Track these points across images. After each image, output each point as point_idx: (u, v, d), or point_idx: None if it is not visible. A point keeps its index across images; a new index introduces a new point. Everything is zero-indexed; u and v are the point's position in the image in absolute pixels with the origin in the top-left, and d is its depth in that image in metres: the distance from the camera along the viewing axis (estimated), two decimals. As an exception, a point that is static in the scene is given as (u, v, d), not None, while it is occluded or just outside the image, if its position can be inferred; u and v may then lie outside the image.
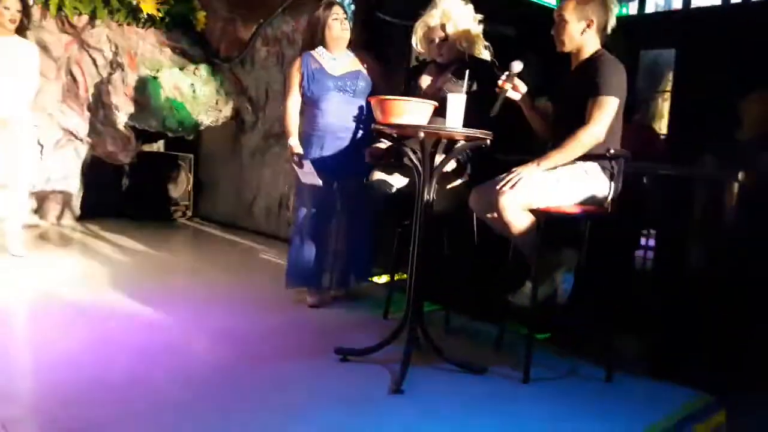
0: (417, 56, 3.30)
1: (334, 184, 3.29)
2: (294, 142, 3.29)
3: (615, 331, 2.69)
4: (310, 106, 3.34)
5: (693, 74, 4.56)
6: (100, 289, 3.49)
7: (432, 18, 3.00)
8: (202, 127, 5.58)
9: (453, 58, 3.05)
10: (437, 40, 3.01)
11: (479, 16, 3.04)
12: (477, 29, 3.04)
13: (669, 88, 5.19)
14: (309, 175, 3.17)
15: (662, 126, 5.32)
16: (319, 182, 3.18)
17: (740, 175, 2.64)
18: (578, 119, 2.50)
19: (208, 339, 2.81)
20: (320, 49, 3.34)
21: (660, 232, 3.86)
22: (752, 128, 3.53)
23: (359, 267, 3.49)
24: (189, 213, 6.26)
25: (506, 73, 2.60)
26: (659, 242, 3.94)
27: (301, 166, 3.19)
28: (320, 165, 3.22)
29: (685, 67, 4.75)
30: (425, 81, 3.13)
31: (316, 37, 3.33)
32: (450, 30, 2.98)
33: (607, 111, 2.45)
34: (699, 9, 4.56)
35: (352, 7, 3.38)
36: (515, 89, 2.65)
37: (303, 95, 3.34)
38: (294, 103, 3.36)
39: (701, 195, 3.56)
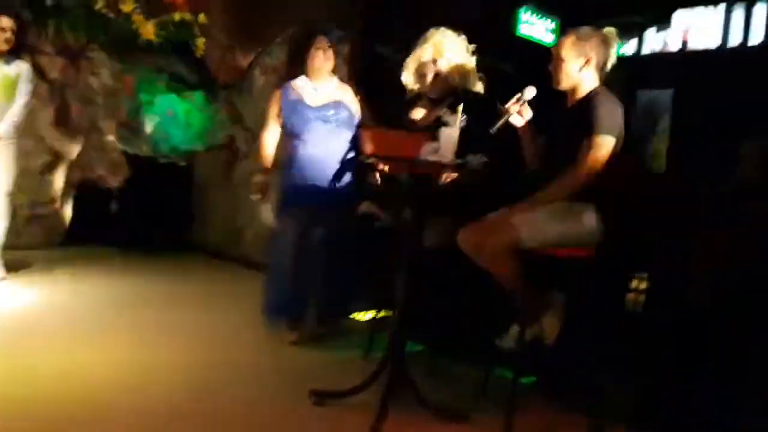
0: (411, 90, 3.23)
1: (315, 216, 3.20)
2: (260, 179, 3.25)
3: (604, 376, 2.58)
4: (291, 137, 3.28)
5: (690, 114, 4.54)
6: (73, 319, 3.40)
7: (423, 53, 2.95)
8: (195, 154, 5.53)
9: (446, 92, 3.00)
10: (430, 75, 2.96)
11: (472, 47, 3.00)
12: (470, 62, 3.00)
13: (666, 127, 5.17)
14: (269, 214, 3.22)
15: (660, 166, 5.28)
16: (272, 222, 3.19)
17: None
18: (571, 158, 2.43)
19: (178, 377, 2.70)
20: (302, 79, 3.28)
21: (652, 275, 3.77)
22: (751, 171, 3.48)
23: (341, 303, 3.38)
24: (179, 241, 6.16)
25: (517, 95, 2.54)
26: (651, 286, 3.86)
27: (263, 205, 3.24)
28: (301, 196, 3.17)
29: (683, 107, 4.74)
30: (418, 114, 3.08)
31: (297, 66, 3.27)
32: (442, 65, 2.93)
33: (599, 151, 2.39)
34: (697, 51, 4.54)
35: (336, 32, 3.32)
36: (520, 114, 2.58)
37: (283, 127, 3.28)
38: (269, 137, 3.33)
39: (701, 236, 3.49)
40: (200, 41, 5.76)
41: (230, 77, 5.78)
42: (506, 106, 2.53)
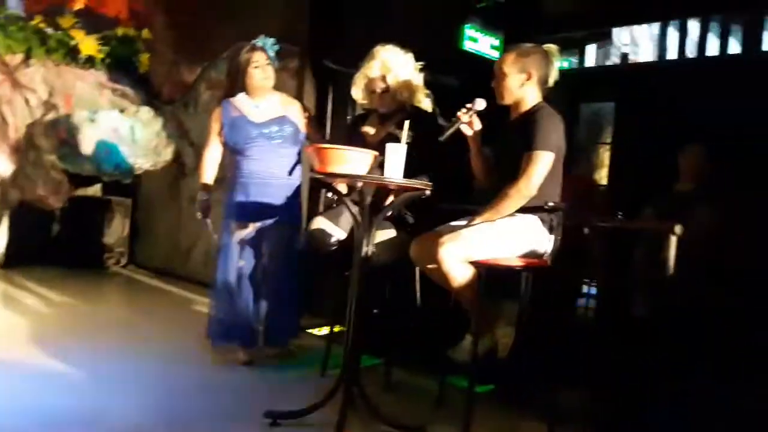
0: (361, 106, 3.24)
1: (260, 234, 3.15)
2: (202, 197, 3.21)
3: (558, 384, 2.62)
4: (234, 154, 3.23)
5: (631, 127, 4.69)
6: (15, 344, 3.24)
7: (371, 70, 2.97)
8: (140, 172, 5.39)
9: (395, 109, 3.01)
10: (378, 91, 2.98)
11: (419, 65, 3.03)
12: (417, 79, 3.03)
13: (609, 139, 5.33)
14: (214, 233, 3.17)
15: (602, 177, 5.44)
16: (216, 238, 3.14)
17: (678, 229, 2.65)
18: (515, 172, 2.48)
19: (126, 402, 2.59)
20: (241, 96, 3.22)
21: (601, 284, 3.87)
22: (689, 180, 3.61)
23: (289, 323, 3.28)
24: (124, 260, 6.00)
25: (468, 105, 2.56)
26: (600, 294, 3.95)
27: (206, 224, 3.16)
28: (246, 213, 3.13)
29: (624, 119, 4.89)
30: (368, 130, 3.08)
31: (236, 85, 3.20)
32: (390, 81, 2.95)
33: (540, 166, 2.44)
34: (636, 64, 4.71)
35: (276, 47, 3.28)
36: (470, 125, 2.61)
37: (225, 145, 3.24)
38: (210, 155, 3.27)
39: (641, 246, 3.61)
40: (144, 57, 5.67)
41: (175, 92, 5.68)
42: (457, 114, 2.57)
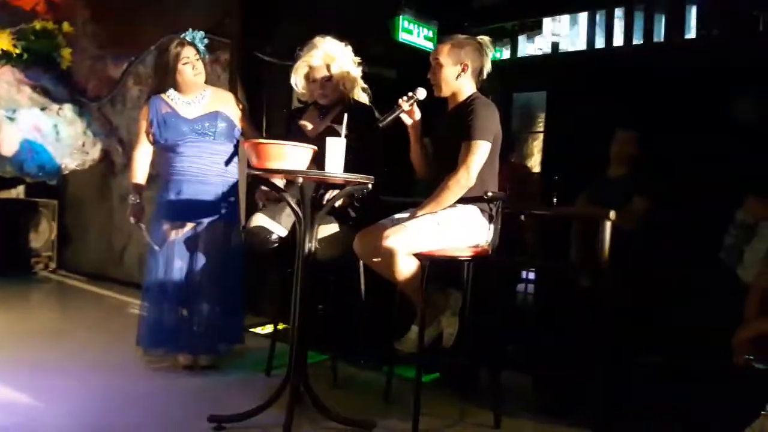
0: (299, 99, 3.17)
1: (195, 233, 3.06)
2: (134, 200, 3.10)
3: (502, 369, 2.67)
4: (165, 151, 3.13)
5: (563, 115, 4.81)
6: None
7: (314, 58, 2.92)
8: (66, 172, 5.16)
9: (335, 101, 2.98)
10: (321, 80, 2.92)
11: (357, 59, 3.01)
12: (356, 72, 3.00)
13: (541, 128, 5.45)
14: (149, 237, 3.06)
15: (535, 165, 5.56)
16: (156, 247, 3.03)
17: (612, 214, 2.73)
18: (453, 162, 2.50)
19: (60, 417, 2.46)
20: (171, 92, 3.12)
21: (539, 270, 3.96)
22: (619, 166, 3.73)
23: (229, 327, 3.16)
24: (52, 265, 5.75)
25: (410, 93, 2.56)
26: (539, 279, 4.05)
27: (140, 228, 3.06)
28: (179, 212, 3.04)
29: (556, 108, 5.00)
30: (306, 124, 3.03)
31: (166, 80, 3.09)
32: (335, 70, 2.91)
33: (477, 155, 2.47)
34: (566, 53, 4.81)
35: (206, 41, 3.18)
36: (411, 114, 2.61)
37: (155, 143, 3.13)
38: (141, 154, 3.17)
39: (577, 232, 3.71)
40: (66, 52, 5.41)
41: (102, 88, 5.47)
42: (399, 102, 2.56)
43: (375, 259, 2.46)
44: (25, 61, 5.13)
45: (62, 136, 5.02)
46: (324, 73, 2.91)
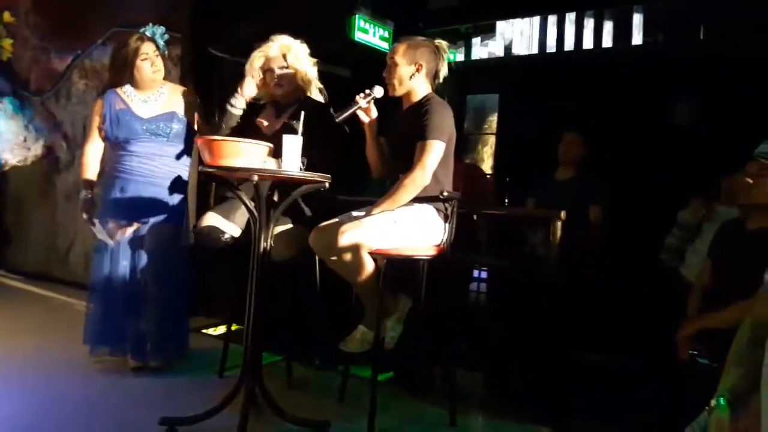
0: (255, 99, 3.10)
1: (141, 233, 2.98)
2: (85, 196, 3.00)
3: (456, 368, 2.70)
4: (115, 149, 3.04)
5: (514, 117, 4.90)
6: None
7: (271, 49, 2.89)
8: (6, 168, 4.96)
9: (291, 98, 2.94)
10: (277, 71, 2.89)
11: (314, 60, 2.99)
12: (312, 71, 2.98)
13: (494, 130, 5.53)
14: (101, 233, 2.96)
15: (488, 166, 5.64)
16: (111, 242, 2.95)
17: (563, 215, 2.79)
18: (408, 162, 2.51)
19: (4, 421, 2.36)
20: (128, 88, 3.04)
21: (492, 269, 4.02)
22: (566, 168, 3.81)
23: (174, 330, 3.07)
24: (-9, 265, 5.52)
25: (367, 91, 2.56)
26: (492, 278, 4.11)
27: (92, 224, 2.96)
28: (127, 210, 2.97)
29: (507, 110, 5.09)
30: (262, 121, 2.98)
31: (123, 76, 3.02)
32: (291, 60, 2.88)
33: (432, 155, 2.48)
34: (518, 57, 4.90)
35: (166, 36, 3.11)
36: (367, 112, 2.61)
37: (106, 139, 3.05)
38: (92, 149, 3.08)
39: (529, 232, 3.77)
40: (7, 42, 5.22)
41: (45, 82, 5.28)
42: (356, 98, 2.56)
43: (331, 255, 2.44)
44: (-37, 51, 4.93)
45: (2, 131, 4.82)
46: (281, 63, 2.88)
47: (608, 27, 4.34)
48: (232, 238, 2.78)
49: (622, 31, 4.28)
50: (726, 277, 2.43)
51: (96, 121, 3.05)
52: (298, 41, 2.94)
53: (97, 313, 3.02)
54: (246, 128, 2.95)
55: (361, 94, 2.56)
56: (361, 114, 2.60)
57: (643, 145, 4.09)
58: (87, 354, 3.06)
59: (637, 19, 4.25)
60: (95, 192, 3.06)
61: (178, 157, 3.08)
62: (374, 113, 2.63)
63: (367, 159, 2.78)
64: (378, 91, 2.57)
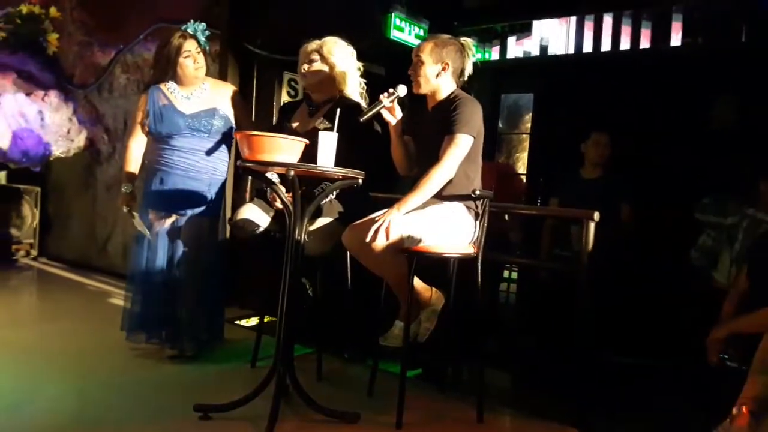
0: (289, 96, 3.15)
1: (179, 225, 3.06)
2: (126, 190, 3.09)
3: (485, 366, 2.71)
4: (157, 142, 3.12)
5: (548, 117, 4.86)
6: None
7: (309, 45, 2.94)
8: (50, 158, 5.11)
9: (326, 96, 2.97)
10: (313, 64, 2.91)
11: (360, 64, 3.01)
12: (349, 68, 2.99)
13: (528, 129, 5.50)
14: (140, 225, 3.05)
15: (521, 165, 5.62)
16: (149, 233, 3.04)
17: (596, 215, 2.78)
18: (436, 159, 2.50)
19: (45, 404, 2.46)
20: (171, 84, 3.12)
21: (523, 269, 4.01)
22: (593, 168, 3.78)
23: (209, 320, 3.17)
24: (34, 252, 5.69)
25: (390, 90, 2.57)
26: (521, 277, 4.10)
27: (132, 216, 3.04)
28: (168, 203, 3.05)
29: (542, 110, 5.06)
30: (297, 120, 3.03)
31: (166, 72, 3.10)
32: (325, 52, 2.91)
33: (459, 148, 2.48)
34: (554, 56, 4.87)
35: (207, 33, 3.17)
36: (392, 112, 2.62)
37: (149, 133, 3.13)
38: (135, 144, 3.17)
39: (561, 232, 3.76)
40: (53, 37, 5.36)
41: (88, 75, 5.42)
42: (380, 97, 2.58)
43: (363, 252, 2.47)
44: (11, 45, 5.08)
45: (47, 123, 4.97)
46: (316, 55, 2.91)
47: (647, 28, 4.28)
48: (266, 230, 2.83)
49: (661, 32, 4.23)
50: (760, 284, 2.40)
51: (139, 116, 3.13)
52: (342, 43, 2.96)
53: (134, 302, 3.11)
54: (282, 125, 3.00)
55: (385, 93, 2.57)
56: (385, 113, 2.61)
57: (679, 147, 4.03)
58: (124, 340, 3.16)
59: (677, 20, 4.19)
60: (136, 185, 3.15)
61: (218, 151, 3.14)
62: (399, 114, 2.64)
63: (392, 155, 2.80)
64: (401, 90, 2.57)
